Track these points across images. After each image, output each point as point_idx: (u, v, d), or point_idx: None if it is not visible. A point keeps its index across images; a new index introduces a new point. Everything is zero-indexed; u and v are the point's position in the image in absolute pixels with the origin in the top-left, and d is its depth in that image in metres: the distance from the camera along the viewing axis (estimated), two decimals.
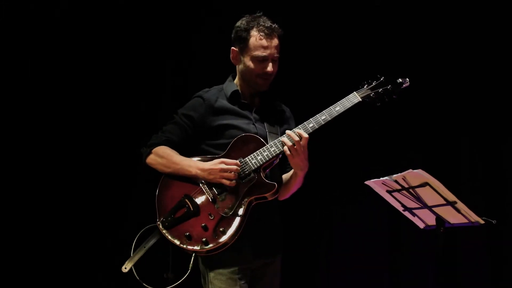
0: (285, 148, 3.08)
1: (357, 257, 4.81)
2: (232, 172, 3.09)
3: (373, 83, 3.19)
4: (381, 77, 3.20)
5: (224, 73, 3.41)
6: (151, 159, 3.24)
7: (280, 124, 3.35)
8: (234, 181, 3.09)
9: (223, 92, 3.31)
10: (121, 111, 4.91)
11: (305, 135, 3.08)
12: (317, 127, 3.13)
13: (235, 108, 3.27)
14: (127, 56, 4.90)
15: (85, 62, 4.86)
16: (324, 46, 4.82)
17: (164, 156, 3.20)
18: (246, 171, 3.13)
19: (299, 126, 3.15)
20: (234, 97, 3.29)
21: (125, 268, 3.19)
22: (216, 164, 3.12)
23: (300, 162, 3.11)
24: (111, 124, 4.91)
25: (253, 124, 3.27)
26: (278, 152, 3.13)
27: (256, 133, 3.21)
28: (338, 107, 3.12)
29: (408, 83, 3.17)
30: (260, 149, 3.15)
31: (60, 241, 4.85)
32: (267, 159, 3.13)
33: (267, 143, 3.18)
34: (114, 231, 4.81)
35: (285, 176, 3.32)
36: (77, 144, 4.88)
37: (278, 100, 3.43)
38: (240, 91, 3.31)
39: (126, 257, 3.21)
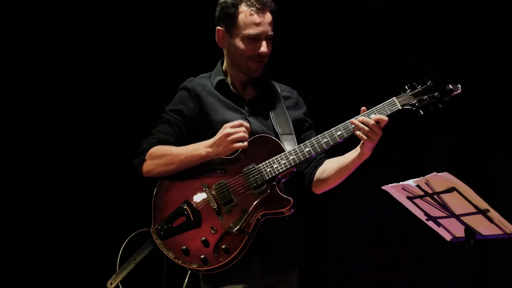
0: (359, 133, 2.88)
1: (372, 270, 4.70)
2: (241, 133, 2.89)
3: (418, 88, 2.92)
4: (428, 81, 2.92)
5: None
6: (148, 165, 3.01)
7: (285, 115, 3.12)
8: (246, 143, 2.90)
9: (210, 81, 3.13)
10: (107, 115, 4.87)
11: (385, 118, 2.89)
12: (346, 136, 2.93)
13: (225, 99, 3.07)
14: (121, 53, 4.87)
15: (77, 60, 4.84)
16: (360, 43, 4.73)
17: (162, 155, 2.99)
18: (258, 180, 2.92)
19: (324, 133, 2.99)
20: (220, 87, 3.09)
21: (111, 284, 3.05)
22: (220, 132, 2.91)
23: (374, 144, 2.92)
24: (95, 127, 4.87)
25: (246, 119, 3.05)
26: (298, 161, 2.93)
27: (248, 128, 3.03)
28: (373, 115, 2.88)
29: (460, 90, 2.89)
30: (277, 156, 2.94)
31: (32, 251, 4.75)
32: (285, 169, 2.93)
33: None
34: (98, 238, 4.67)
35: (337, 163, 3.07)
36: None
37: (278, 83, 3.22)
38: (228, 80, 3.11)
39: (112, 270, 3.07)
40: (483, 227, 2.90)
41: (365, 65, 4.69)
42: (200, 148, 2.94)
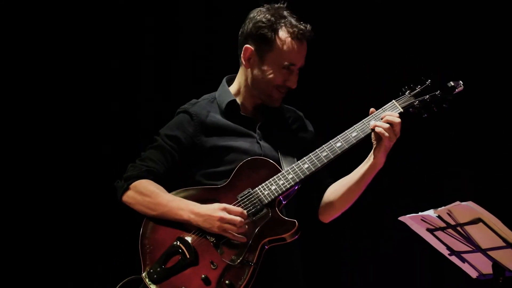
0: (380, 129, 2.79)
1: None
2: (236, 225, 2.78)
3: (417, 89, 2.87)
4: (427, 80, 2.87)
5: (217, 75, 3.12)
6: (129, 196, 2.92)
7: (294, 139, 3.04)
8: (236, 235, 2.79)
9: (216, 104, 3.01)
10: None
11: (397, 120, 2.82)
12: (347, 146, 2.84)
13: (233, 124, 2.97)
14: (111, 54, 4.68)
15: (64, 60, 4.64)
16: (355, 46, 4.59)
17: (146, 194, 2.89)
18: (257, 205, 2.82)
19: (330, 142, 2.89)
20: (230, 109, 2.97)
21: None
22: (216, 210, 2.80)
23: (389, 148, 2.82)
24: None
25: (258, 142, 2.96)
26: (297, 180, 2.83)
27: (261, 154, 2.92)
28: (373, 121, 2.83)
29: (462, 87, 2.84)
30: (274, 177, 2.85)
31: None
32: (284, 189, 2.82)
33: (281, 168, 2.89)
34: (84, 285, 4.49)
35: (347, 180, 2.96)
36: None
37: (286, 105, 3.12)
38: (239, 101, 3.00)
39: None
40: None
41: (359, 71, 4.58)
42: (185, 210, 2.84)
